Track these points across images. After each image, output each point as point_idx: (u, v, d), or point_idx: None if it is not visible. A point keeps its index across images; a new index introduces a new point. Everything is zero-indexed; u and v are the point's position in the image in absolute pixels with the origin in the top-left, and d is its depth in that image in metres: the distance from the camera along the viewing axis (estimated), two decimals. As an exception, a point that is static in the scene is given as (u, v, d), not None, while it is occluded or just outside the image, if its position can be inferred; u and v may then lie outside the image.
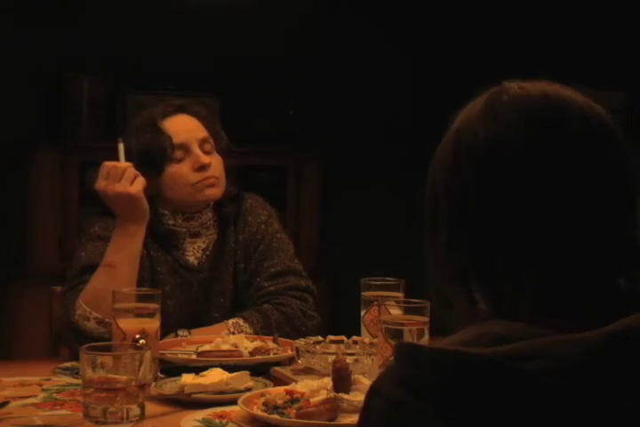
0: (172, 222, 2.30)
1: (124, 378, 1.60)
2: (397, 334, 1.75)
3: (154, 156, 2.23)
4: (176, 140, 2.24)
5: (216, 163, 2.29)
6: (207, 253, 2.32)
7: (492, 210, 0.96)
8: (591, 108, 0.98)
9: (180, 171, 2.25)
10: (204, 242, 2.33)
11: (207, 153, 2.28)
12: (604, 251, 0.95)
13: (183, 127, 2.27)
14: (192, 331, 2.18)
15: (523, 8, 4.37)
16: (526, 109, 0.97)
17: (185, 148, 2.25)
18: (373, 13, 4.50)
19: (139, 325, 1.88)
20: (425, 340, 1.76)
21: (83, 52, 4.02)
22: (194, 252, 2.32)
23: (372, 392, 0.90)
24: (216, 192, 2.29)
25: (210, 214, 2.33)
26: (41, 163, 3.86)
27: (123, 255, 2.11)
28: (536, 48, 4.26)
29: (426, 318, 1.77)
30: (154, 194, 2.23)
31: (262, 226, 2.37)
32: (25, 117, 4.01)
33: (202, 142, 2.28)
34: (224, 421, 1.62)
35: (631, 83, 4.06)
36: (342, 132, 4.47)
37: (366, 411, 0.91)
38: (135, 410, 1.61)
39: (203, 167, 2.25)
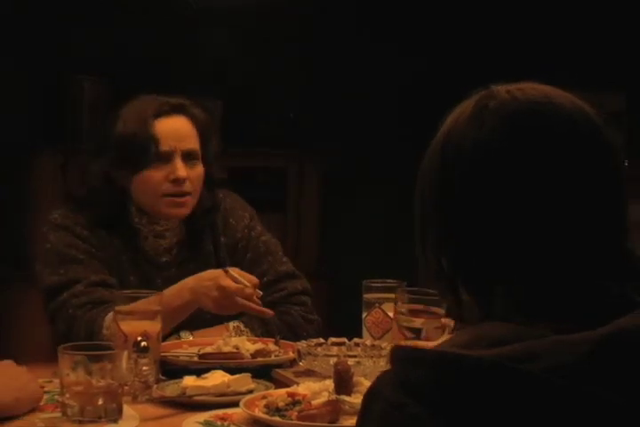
0: (136, 220, 2.21)
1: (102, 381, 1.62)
2: None
3: (132, 154, 2.12)
4: (161, 146, 2.13)
5: (195, 176, 2.18)
6: (174, 252, 2.25)
7: (478, 218, 0.95)
8: (581, 114, 0.97)
9: (153, 177, 2.14)
10: (167, 243, 2.24)
11: (190, 163, 2.17)
12: (592, 256, 0.95)
13: (173, 133, 2.15)
14: (194, 333, 2.18)
15: (522, 9, 4.37)
16: (512, 117, 0.96)
17: (167, 155, 2.14)
18: (374, 13, 4.50)
19: (140, 327, 1.88)
20: None
21: (83, 53, 4.02)
22: (156, 247, 2.23)
23: (371, 395, 0.91)
24: (184, 212, 2.19)
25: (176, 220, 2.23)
26: (42, 165, 3.86)
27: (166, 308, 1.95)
28: (535, 49, 4.25)
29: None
30: (125, 185, 2.18)
31: (246, 230, 2.31)
32: (26, 119, 4.01)
33: (187, 153, 2.16)
34: (226, 423, 1.62)
35: (631, 84, 4.06)
36: (342, 133, 4.46)
37: (365, 414, 0.91)
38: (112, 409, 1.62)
39: (177, 180, 2.14)
